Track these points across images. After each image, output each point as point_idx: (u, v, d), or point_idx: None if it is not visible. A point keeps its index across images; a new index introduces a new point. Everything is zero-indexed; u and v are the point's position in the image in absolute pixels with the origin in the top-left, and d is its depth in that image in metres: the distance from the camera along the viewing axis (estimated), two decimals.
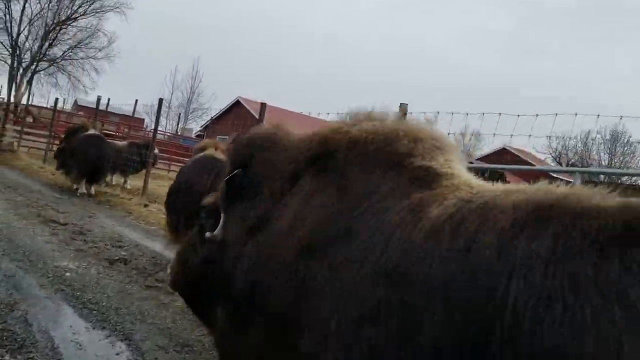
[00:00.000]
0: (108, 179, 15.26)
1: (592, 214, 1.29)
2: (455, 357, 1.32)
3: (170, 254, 7.71)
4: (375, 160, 1.92)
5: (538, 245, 1.27)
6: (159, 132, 24.28)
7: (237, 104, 40.25)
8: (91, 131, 13.15)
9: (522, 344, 1.19)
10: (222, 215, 2.42)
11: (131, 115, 26.97)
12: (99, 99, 16.26)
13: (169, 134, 36.47)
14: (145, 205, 11.62)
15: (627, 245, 1.17)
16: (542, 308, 1.18)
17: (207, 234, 2.42)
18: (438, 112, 7.74)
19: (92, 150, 12.30)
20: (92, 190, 12.75)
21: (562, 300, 1.17)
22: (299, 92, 79.13)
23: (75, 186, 12.79)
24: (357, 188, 1.87)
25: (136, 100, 22.13)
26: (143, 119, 39.36)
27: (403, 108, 7.14)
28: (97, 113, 17.29)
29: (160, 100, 13.31)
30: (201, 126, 44.83)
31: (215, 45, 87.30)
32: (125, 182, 15.73)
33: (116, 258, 6.99)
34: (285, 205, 2.09)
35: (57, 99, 22.44)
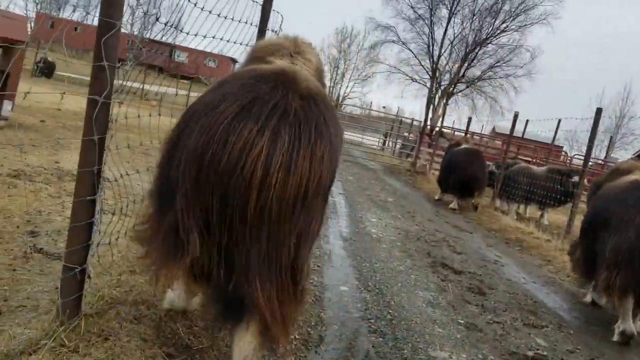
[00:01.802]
0: (521, 210, 13.43)
1: (293, 80, 2.39)
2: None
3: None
4: (254, 58, 3.10)
5: (260, 88, 2.28)
6: (579, 158, 20.31)
7: None
8: (464, 146, 12.71)
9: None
10: None
11: (551, 141, 23.24)
12: (515, 116, 13.70)
13: (593, 161, 31.61)
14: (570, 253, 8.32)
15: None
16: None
17: None
18: None
19: (460, 165, 11.77)
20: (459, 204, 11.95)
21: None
22: None
23: (436, 197, 12.85)
24: (232, 75, 2.76)
25: (559, 121, 18.86)
26: (561, 146, 34.89)
27: None
28: (511, 137, 14.75)
29: (599, 110, 9.69)
30: (634, 154, 38.03)
31: None
32: (542, 216, 12.93)
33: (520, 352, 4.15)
34: None
35: (470, 119, 21.11)
